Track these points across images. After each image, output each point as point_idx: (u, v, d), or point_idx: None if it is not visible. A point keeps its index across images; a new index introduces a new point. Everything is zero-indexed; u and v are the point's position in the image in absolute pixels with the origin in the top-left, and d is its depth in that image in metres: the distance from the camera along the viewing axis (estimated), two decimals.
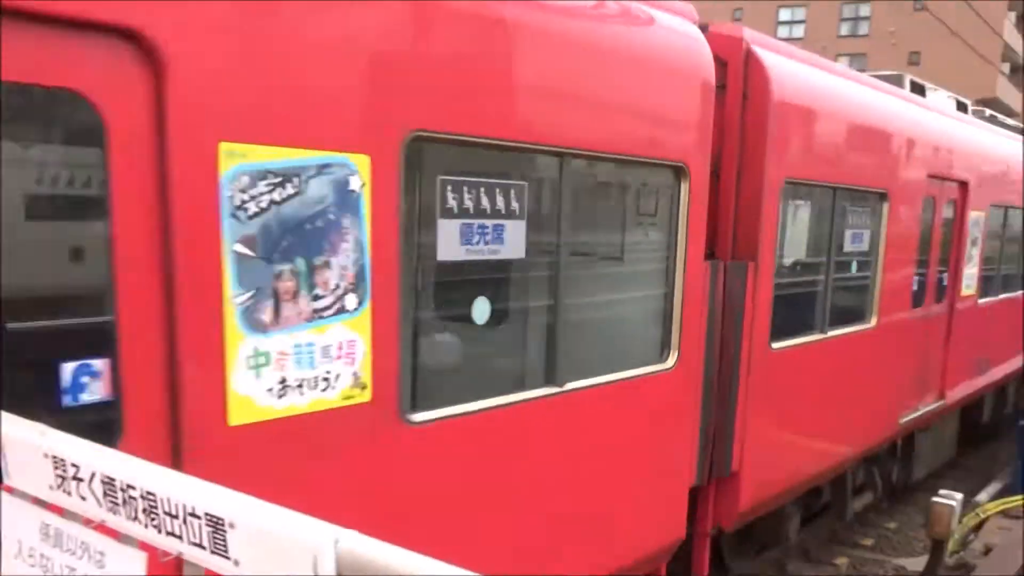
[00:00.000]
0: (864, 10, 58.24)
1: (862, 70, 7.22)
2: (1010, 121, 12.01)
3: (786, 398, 6.65)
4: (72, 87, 2.67)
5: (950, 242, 9.34)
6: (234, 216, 3.03)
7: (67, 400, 2.78)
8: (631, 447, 5.05)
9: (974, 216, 9.84)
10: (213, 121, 2.93)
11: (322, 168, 3.22)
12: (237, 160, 2.99)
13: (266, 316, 3.18)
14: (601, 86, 4.45)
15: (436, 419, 3.83)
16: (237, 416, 3.12)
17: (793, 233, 6.54)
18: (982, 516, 8.89)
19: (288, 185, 3.14)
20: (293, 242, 3.18)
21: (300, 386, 3.29)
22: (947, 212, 8.60)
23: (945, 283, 9.12)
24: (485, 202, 3.91)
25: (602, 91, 4.47)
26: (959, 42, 22.02)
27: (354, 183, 3.33)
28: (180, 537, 1.88)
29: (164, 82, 2.80)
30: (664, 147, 5.00)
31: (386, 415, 3.60)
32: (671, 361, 5.33)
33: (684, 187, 5.20)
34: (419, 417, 3.79)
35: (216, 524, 1.82)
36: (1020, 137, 11.00)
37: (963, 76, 50.51)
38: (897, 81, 8.66)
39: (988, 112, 11.49)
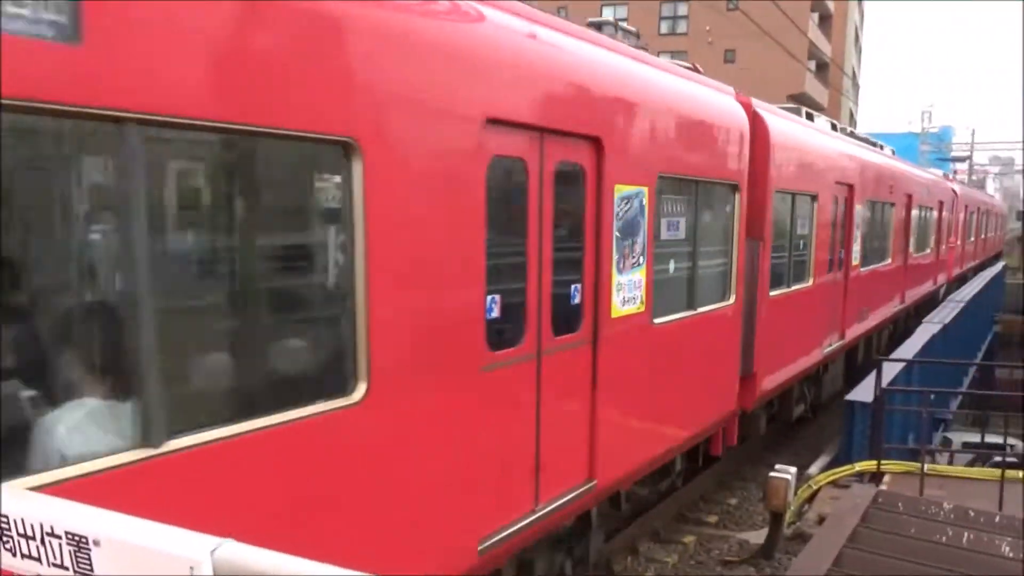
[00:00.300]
0: (682, 9, 60.59)
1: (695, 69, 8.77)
2: (862, 135, 15.86)
3: (777, 327, 10.20)
4: (576, 161, 5.95)
5: (845, 227, 12.76)
6: (616, 217, 6.39)
7: (574, 303, 6.11)
8: (718, 351, 8.56)
9: (858, 209, 13.57)
10: (613, 174, 6.23)
11: (637, 194, 6.66)
12: (618, 192, 6.39)
13: (622, 265, 6.62)
14: (714, 140, 8.09)
15: (623, 315, 6.70)
16: (614, 313, 6.48)
17: (774, 223, 10.02)
18: (814, 487, 9.47)
19: (628, 203, 6.57)
20: (630, 230, 6.61)
21: (628, 301, 6.68)
22: (843, 206, 11.64)
23: (843, 257, 12.40)
24: (674, 209, 7.50)
25: (714, 144, 8.12)
26: (770, 40, 23.21)
27: (644, 201, 6.83)
28: (39, 559, 1.77)
29: (603, 157, 6.07)
30: (730, 172, 8.48)
31: (644, 318, 7.04)
32: (732, 300, 8.82)
33: (738, 196, 8.81)
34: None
35: (79, 543, 1.73)
36: (875, 147, 14.74)
37: (775, 72, 53.37)
38: (796, 112, 11.67)
39: (849, 128, 15.04)
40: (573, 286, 6.04)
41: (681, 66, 8.24)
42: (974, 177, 77.40)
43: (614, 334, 6.47)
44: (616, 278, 6.46)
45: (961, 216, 29.13)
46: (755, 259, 9.50)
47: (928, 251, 21.60)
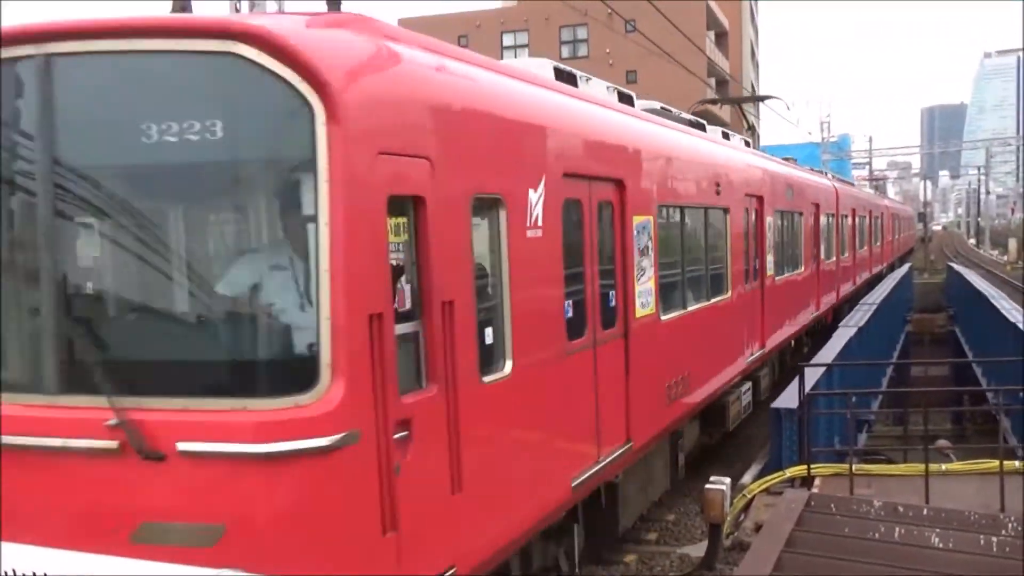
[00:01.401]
0: (581, 32, 61.75)
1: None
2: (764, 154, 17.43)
3: (777, 308, 14.75)
4: (609, 198, 7.86)
5: (757, 238, 13.47)
6: (635, 240, 8.20)
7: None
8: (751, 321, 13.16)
9: (769, 220, 14.34)
10: (633, 207, 8.04)
11: (647, 222, 8.59)
12: (636, 221, 8.18)
13: (640, 275, 8.39)
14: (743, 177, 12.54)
15: (642, 315, 8.60)
16: (637, 314, 8.19)
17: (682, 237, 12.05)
18: (749, 496, 9.72)
19: (643, 231, 8.40)
20: (642, 251, 8.40)
21: (644, 304, 8.39)
22: (754, 217, 12.26)
23: (758, 267, 13.45)
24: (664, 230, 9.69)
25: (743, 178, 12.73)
26: (669, 59, 23.87)
27: (651, 226, 8.76)
28: None
29: (624, 195, 7.89)
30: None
31: (655, 317, 8.89)
32: (756, 284, 13.40)
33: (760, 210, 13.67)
34: (664, 317, 9.18)
35: None
36: (780, 159, 15.94)
37: (676, 90, 54.67)
38: (699, 126, 12.60)
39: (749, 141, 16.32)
40: (610, 292, 7.95)
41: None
42: (875, 183, 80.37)
43: (638, 329, 8.40)
44: (636, 287, 8.41)
45: (867, 221, 32.21)
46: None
47: (837, 257, 23.05)
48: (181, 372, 4.22)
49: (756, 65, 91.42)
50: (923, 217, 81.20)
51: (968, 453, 11.13)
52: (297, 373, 4.11)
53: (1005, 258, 73.65)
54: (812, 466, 9.82)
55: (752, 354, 13.12)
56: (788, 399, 10.85)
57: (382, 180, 4.50)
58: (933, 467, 9.44)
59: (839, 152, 70.74)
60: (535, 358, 6.27)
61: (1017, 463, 9.76)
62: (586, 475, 7.14)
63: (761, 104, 79.95)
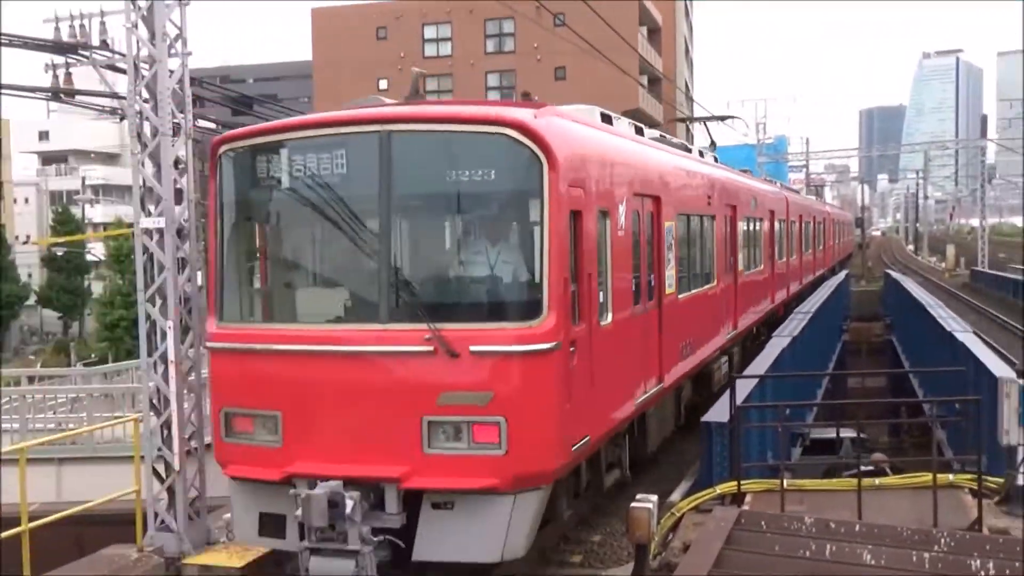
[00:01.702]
0: (508, 26, 62.01)
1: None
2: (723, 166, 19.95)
3: (745, 298, 19.08)
4: (652, 210, 12.02)
5: (728, 240, 17.27)
6: (666, 239, 12.40)
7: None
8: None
9: (740, 226, 18.48)
10: (665, 216, 12.34)
11: (671, 226, 12.74)
12: (666, 225, 12.45)
13: (668, 264, 12.57)
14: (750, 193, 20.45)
15: (669, 293, 12.69)
16: (666, 292, 12.41)
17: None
18: (677, 515, 9.83)
19: (669, 233, 12.52)
20: (668, 247, 12.57)
21: (670, 286, 12.61)
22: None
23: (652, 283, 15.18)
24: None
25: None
26: (600, 56, 24.10)
27: (673, 229, 12.98)
28: None
29: (660, 207, 12.17)
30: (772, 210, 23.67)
31: (675, 295, 13.11)
32: (731, 278, 17.68)
33: (733, 218, 17.94)
34: (680, 296, 13.46)
35: None
36: (693, 153, 17.32)
37: (608, 88, 55.18)
38: (688, 147, 16.80)
39: (713, 155, 19.58)
40: (651, 275, 11.83)
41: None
42: (812, 186, 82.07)
43: (667, 302, 12.37)
44: (666, 272, 12.44)
45: (812, 227, 35.17)
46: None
47: (787, 259, 26.75)
48: (468, 309, 8.46)
49: (690, 63, 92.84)
50: (861, 222, 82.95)
51: (904, 466, 11.44)
52: (532, 309, 8.23)
53: (943, 265, 75.96)
54: (743, 482, 9.98)
55: (728, 333, 17.46)
56: (719, 412, 11.02)
57: (569, 201, 8.60)
58: (866, 482, 9.67)
59: (775, 154, 71.95)
60: (621, 314, 10.29)
61: (951, 476, 10.06)
62: (641, 399, 11.31)
63: (695, 103, 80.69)
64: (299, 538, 8.37)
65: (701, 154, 17.50)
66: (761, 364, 14.30)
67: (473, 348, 8.15)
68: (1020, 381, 9.87)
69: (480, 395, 8.15)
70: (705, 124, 24.89)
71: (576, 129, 9.64)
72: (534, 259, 8.45)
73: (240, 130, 9.59)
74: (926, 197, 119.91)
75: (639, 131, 13.07)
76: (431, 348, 8.20)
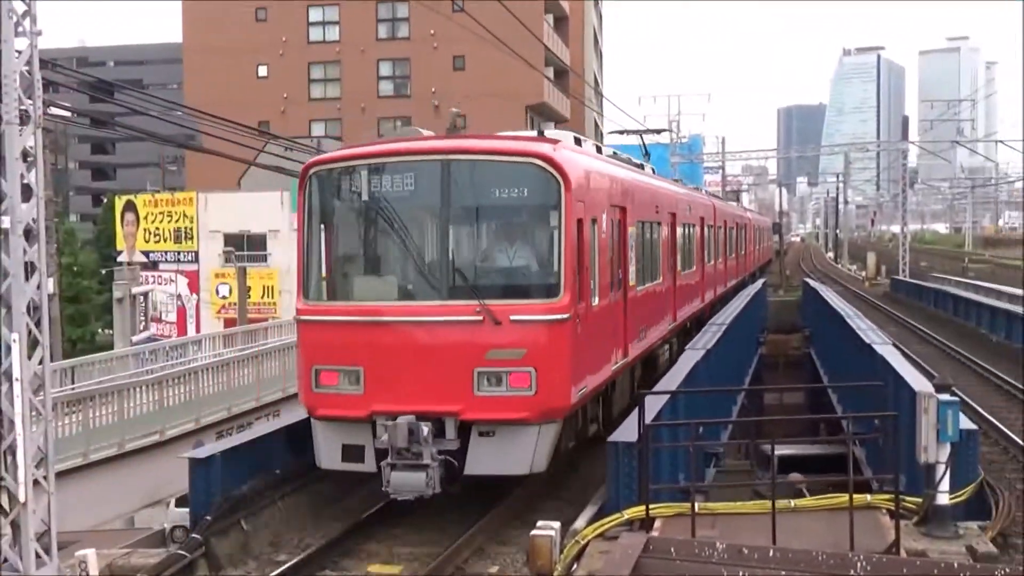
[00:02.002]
0: (401, 10, 61.67)
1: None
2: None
3: (683, 294, 23.98)
4: (620, 218, 16.55)
5: (621, 249, 18.07)
6: (630, 241, 16.98)
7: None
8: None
9: (678, 231, 22.88)
10: (629, 222, 16.84)
11: (634, 231, 17.47)
12: (630, 230, 16.96)
13: (631, 262, 17.18)
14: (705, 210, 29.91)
15: (631, 285, 17.26)
16: (630, 284, 17.05)
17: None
18: (582, 543, 9.88)
19: (631, 236, 17.11)
20: (631, 248, 17.15)
21: (631, 278, 17.20)
22: (618, 228, 16.36)
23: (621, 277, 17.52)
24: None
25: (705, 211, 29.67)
26: (502, 45, 24.17)
27: (634, 232, 17.73)
28: None
29: (626, 215, 16.73)
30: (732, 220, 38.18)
31: (635, 288, 17.89)
32: (671, 276, 22.18)
33: (673, 224, 22.62)
34: (638, 289, 18.07)
35: None
36: (640, 168, 21.03)
37: (511, 81, 55.45)
38: (642, 164, 21.63)
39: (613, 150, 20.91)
40: (620, 270, 15.74)
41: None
42: (728, 188, 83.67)
43: (631, 293, 16.38)
44: (630, 268, 16.54)
45: (735, 232, 39.39)
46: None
47: (715, 261, 31.18)
48: (508, 288, 12.81)
49: (600, 55, 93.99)
50: (778, 228, 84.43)
51: (821, 486, 11.74)
52: (553, 289, 12.51)
53: (863, 274, 78.35)
54: (652, 506, 10.10)
55: (670, 324, 21.46)
56: (626, 431, 11.15)
57: (578, 212, 12.78)
58: (781, 504, 9.89)
59: (690, 155, 73.15)
60: (604, 299, 14.39)
61: (868, 497, 10.37)
62: (614, 367, 15.32)
63: (604, 99, 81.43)
64: (375, 463, 12.65)
65: (653, 170, 24.35)
66: (673, 379, 14.52)
67: (513, 317, 12.68)
68: (939, 396, 10.21)
69: (517, 351, 12.65)
70: (641, 137, 29.98)
71: (579, 158, 14.42)
72: (554, 254, 13.17)
73: (328, 155, 14.64)
74: (847, 202, 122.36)
75: (598, 150, 17.83)
76: (480, 318, 12.66)
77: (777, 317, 39.56)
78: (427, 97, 59.39)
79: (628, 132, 33.21)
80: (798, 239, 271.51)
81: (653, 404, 11.64)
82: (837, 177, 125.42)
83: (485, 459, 12.60)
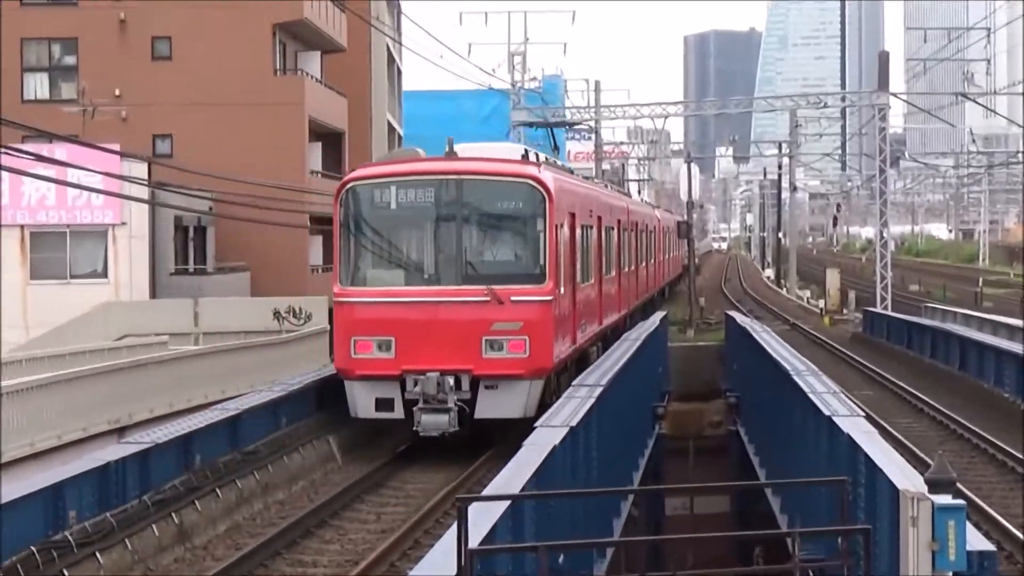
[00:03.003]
0: None
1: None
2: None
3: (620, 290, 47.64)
4: (594, 224, 40.34)
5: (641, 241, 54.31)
6: (604, 241, 42.29)
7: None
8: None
9: (612, 234, 43.49)
10: (602, 225, 41.53)
11: (604, 233, 42.32)
12: (603, 230, 41.69)
13: (602, 255, 42.14)
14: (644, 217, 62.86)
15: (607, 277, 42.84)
16: (603, 272, 41.83)
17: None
18: None
19: (587, 235, 38.54)
20: (598, 246, 41.24)
21: (601, 268, 42.26)
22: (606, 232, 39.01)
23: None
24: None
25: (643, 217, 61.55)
26: None
27: (605, 236, 42.99)
28: None
29: (601, 221, 42.10)
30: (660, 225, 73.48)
31: (604, 275, 44.14)
32: (616, 271, 47.55)
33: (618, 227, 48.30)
34: (606, 276, 43.96)
35: None
36: (638, 198, 65.99)
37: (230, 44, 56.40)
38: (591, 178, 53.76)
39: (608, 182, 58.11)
40: (593, 261, 38.48)
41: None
42: (608, 164, 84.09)
43: (605, 279, 40.24)
44: (603, 259, 40.11)
45: (645, 235, 58.00)
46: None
47: (636, 264, 50.63)
48: (508, 277, 29.30)
49: None
50: (688, 229, 78.18)
51: None
52: (540, 278, 29.03)
53: (820, 304, 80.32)
54: None
55: (623, 311, 44.17)
56: (438, 562, 11.15)
57: (559, 219, 30.25)
58: None
59: (544, 108, 72.88)
60: (575, 284, 32.96)
61: None
62: (594, 333, 36.72)
63: (402, 15, 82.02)
64: (403, 413, 27.61)
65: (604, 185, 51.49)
66: (517, 475, 14.57)
67: (512, 298, 27.82)
68: (935, 498, 10.47)
69: (516, 323, 27.82)
70: (552, 132, 47.49)
71: (557, 174, 31.97)
72: (539, 251, 28.63)
73: (361, 173, 30.55)
74: (794, 188, 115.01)
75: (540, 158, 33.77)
76: (488, 298, 27.71)
77: (685, 374, 40.43)
78: (105, 8, 58.91)
79: (537, 126, 50.09)
80: (719, 246, 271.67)
81: (484, 515, 11.69)
82: (779, 148, 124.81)
83: (490, 406, 27.49)
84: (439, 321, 27.81)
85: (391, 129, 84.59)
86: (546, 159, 35.04)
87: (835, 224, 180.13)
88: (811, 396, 19.84)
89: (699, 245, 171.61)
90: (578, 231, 32.80)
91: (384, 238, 29.35)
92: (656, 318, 41.09)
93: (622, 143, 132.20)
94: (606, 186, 53.79)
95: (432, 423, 26.96)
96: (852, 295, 76.34)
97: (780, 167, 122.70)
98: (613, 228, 42.72)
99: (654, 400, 32.79)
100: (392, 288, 28.54)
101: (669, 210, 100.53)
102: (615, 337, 39.09)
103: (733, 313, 50.96)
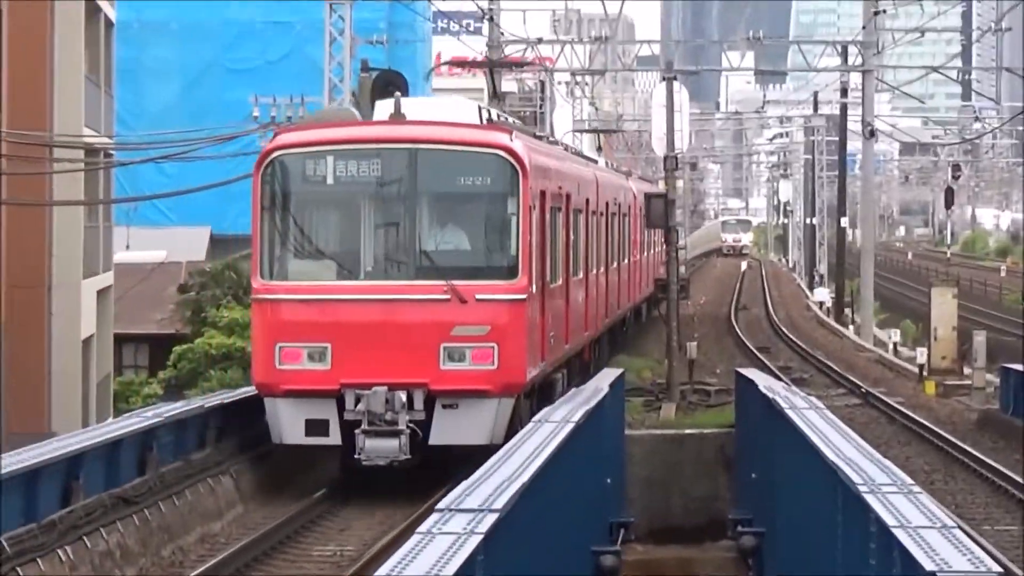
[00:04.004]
0: None
1: None
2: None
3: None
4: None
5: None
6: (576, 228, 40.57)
7: None
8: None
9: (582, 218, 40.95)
10: (571, 206, 39.47)
11: (558, 208, 37.24)
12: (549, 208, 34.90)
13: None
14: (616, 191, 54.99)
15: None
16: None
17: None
18: None
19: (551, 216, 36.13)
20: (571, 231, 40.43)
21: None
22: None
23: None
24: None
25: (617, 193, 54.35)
26: None
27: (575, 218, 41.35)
28: None
29: (569, 202, 38.74)
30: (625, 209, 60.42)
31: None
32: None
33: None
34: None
35: None
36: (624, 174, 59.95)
37: None
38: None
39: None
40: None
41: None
42: (515, 82, 57.93)
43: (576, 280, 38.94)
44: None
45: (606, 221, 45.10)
46: None
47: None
48: (473, 270, 27.71)
49: None
50: (662, 209, 41.77)
51: None
52: (512, 272, 27.40)
53: (917, 354, 52.25)
54: None
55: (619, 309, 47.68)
56: None
57: (533, 199, 28.49)
58: None
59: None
60: (546, 282, 30.71)
61: None
62: (562, 353, 33.35)
63: None
64: (341, 438, 24.81)
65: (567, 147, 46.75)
66: None
67: (477, 296, 25.66)
68: None
69: (481, 328, 25.65)
70: (491, 74, 42.47)
71: (529, 143, 30.13)
72: (512, 238, 26.84)
73: (289, 139, 27.40)
74: (871, 132, 69.39)
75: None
76: (447, 296, 25.50)
77: (660, 490, 27.72)
78: None
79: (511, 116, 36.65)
80: (731, 241, 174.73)
81: None
82: (842, 55, 75.58)
83: (449, 429, 25.04)
84: (387, 324, 25.33)
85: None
86: (507, 119, 32.53)
87: (949, 203, 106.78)
88: (914, 550, 11.98)
89: (691, 240, 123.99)
90: (548, 215, 29.93)
91: (318, 220, 27.09)
92: (602, 381, 27.38)
93: (541, 41, 68.32)
94: (565, 148, 45.22)
95: (378, 449, 24.26)
96: (979, 340, 45.73)
97: (844, 92, 79.86)
98: (581, 211, 38.12)
99: (596, 541, 21.43)
100: (328, 283, 25.97)
101: (646, 177, 77.85)
102: (580, 372, 36.14)
103: (751, 373, 30.72)
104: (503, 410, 24.93)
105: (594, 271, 41.63)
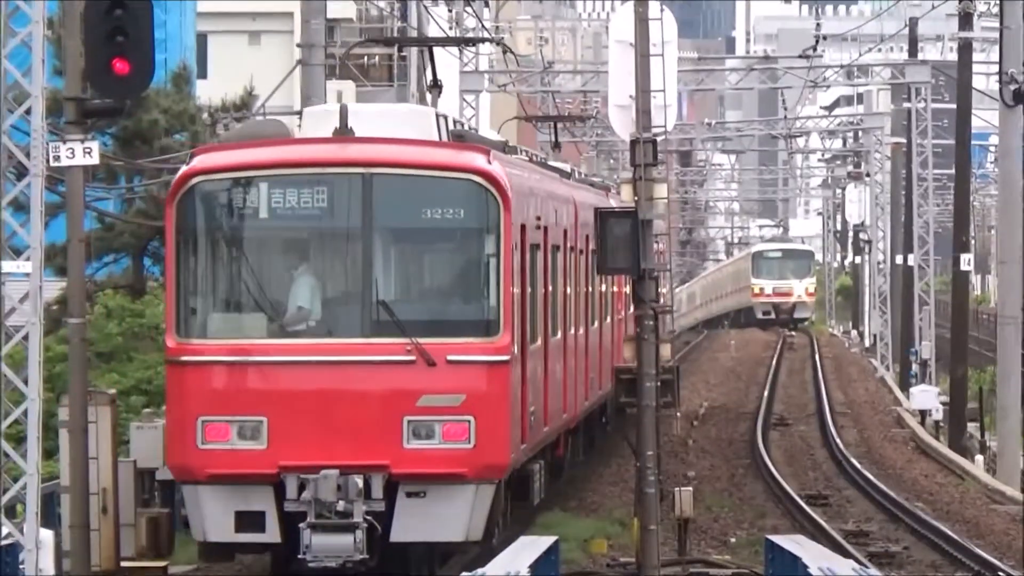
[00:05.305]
0: None
1: None
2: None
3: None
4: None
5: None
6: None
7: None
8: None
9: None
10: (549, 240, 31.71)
11: (536, 245, 30.23)
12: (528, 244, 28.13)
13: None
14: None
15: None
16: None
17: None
18: None
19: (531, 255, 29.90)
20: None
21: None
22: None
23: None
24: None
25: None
26: None
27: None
28: None
29: (547, 234, 30.51)
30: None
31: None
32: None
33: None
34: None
35: None
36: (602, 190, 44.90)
37: None
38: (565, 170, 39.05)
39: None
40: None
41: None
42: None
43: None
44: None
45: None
46: None
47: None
48: (443, 325, 21.46)
49: None
50: (633, 247, 24.60)
51: None
52: (493, 327, 21.31)
53: None
54: None
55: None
56: None
57: (516, 236, 22.55)
58: None
59: None
60: (526, 341, 24.74)
61: None
62: (543, 436, 27.18)
63: None
64: (280, 535, 19.35)
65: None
66: None
67: (450, 357, 20.21)
68: None
69: (455, 397, 20.16)
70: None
71: (507, 165, 23.34)
72: (492, 283, 21.31)
73: (213, 162, 21.22)
74: (1019, 93, 45.40)
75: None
76: (412, 357, 19.93)
77: None
78: None
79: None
80: (772, 295, 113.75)
81: None
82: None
83: (416, 523, 19.87)
84: (337, 392, 19.63)
85: None
86: (475, 131, 28.51)
87: None
88: None
89: (690, 291, 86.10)
90: (528, 255, 23.95)
91: (250, 264, 20.64)
92: (517, 560, 17.04)
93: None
94: (530, 159, 33.74)
95: (327, 547, 18.74)
96: None
97: (966, 21, 54.74)
98: (559, 248, 29.42)
99: None
100: (263, 342, 19.99)
101: (604, 184, 51.54)
102: (553, 471, 28.71)
103: (793, 543, 20.63)
104: (481, 499, 19.56)
105: (572, 331, 31.25)
